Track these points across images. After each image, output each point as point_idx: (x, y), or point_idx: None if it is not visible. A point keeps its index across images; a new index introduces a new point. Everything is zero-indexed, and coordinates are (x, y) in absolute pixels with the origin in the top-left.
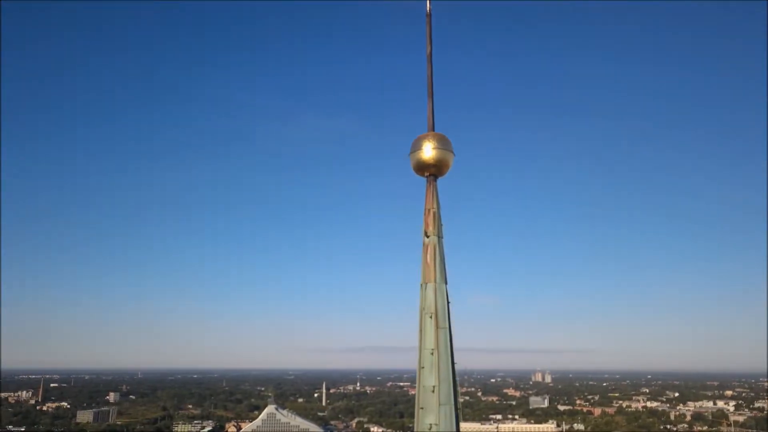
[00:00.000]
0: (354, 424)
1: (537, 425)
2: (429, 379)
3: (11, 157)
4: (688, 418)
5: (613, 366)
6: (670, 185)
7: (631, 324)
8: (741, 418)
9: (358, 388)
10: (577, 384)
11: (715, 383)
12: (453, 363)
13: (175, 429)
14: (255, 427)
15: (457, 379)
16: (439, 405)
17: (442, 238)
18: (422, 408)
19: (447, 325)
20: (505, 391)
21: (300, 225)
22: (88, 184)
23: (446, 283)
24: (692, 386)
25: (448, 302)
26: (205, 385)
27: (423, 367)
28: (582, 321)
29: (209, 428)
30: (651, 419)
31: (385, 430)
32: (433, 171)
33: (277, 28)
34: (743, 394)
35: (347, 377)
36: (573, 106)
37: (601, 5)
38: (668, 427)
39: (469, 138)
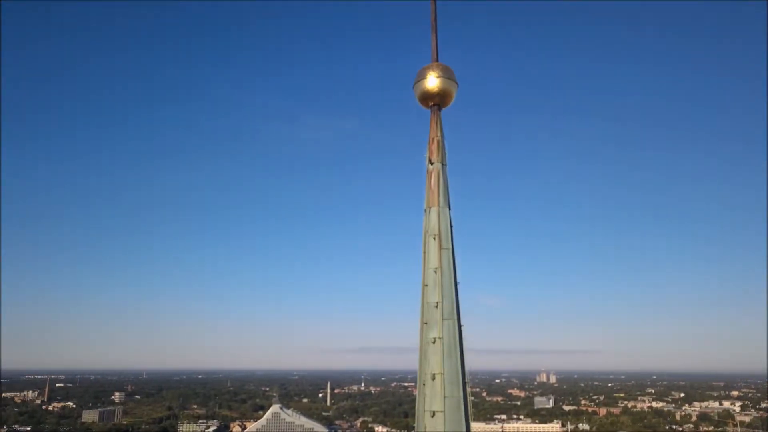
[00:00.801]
0: (358, 424)
1: (542, 425)
2: (432, 296)
3: (11, 157)
4: (694, 418)
5: (618, 366)
6: (670, 185)
7: (636, 324)
8: (747, 419)
9: (362, 388)
10: (582, 384)
11: (721, 384)
12: (456, 283)
13: (180, 429)
14: (260, 427)
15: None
16: (443, 320)
17: (445, 165)
18: (426, 323)
19: (450, 246)
20: (509, 391)
21: (301, 225)
22: (88, 184)
23: (449, 208)
24: (698, 386)
25: (451, 226)
26: (210, 385)
27: (426, 285)
28: (586, 321)
29: (214, 428)
30: (656, 419)
31: (389, 429)
32: (437, 101)
33: (278, 28)
34: (749, 395)
35: (351, 377)
36: (573, 107)
37: (600, 5)
38: (674, 427)
39: (469, 137)
